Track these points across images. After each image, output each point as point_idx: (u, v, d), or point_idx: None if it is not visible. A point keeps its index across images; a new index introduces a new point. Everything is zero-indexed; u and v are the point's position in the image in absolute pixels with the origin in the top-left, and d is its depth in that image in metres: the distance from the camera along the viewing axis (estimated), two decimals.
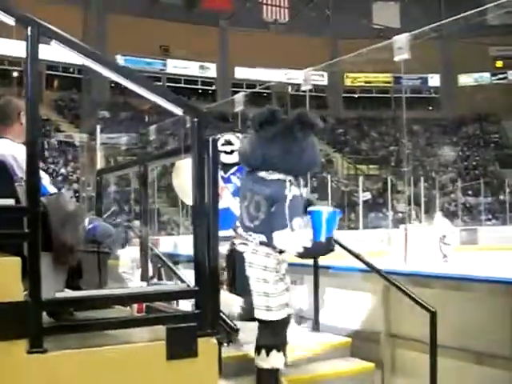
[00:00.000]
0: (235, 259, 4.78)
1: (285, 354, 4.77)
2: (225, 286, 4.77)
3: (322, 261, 6.03)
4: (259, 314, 4.69)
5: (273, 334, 4.75)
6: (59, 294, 2.86)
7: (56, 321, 3.11)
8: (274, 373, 4.75)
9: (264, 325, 4.73)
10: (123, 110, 39.11)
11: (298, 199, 4.65)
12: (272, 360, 4.71)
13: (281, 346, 4.76)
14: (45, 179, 3.63)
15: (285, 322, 4.83)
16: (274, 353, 4.71)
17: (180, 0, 43.94)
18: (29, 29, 2.79)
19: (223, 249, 4.46)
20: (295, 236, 4.52)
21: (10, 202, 2.86)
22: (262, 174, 4.75)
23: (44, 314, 2.88)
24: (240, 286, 4.74)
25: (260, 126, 4.81)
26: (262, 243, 4.69)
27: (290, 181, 4.68)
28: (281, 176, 4.71)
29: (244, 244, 4.75)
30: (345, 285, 6.23)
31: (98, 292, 3.16)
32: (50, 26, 2.86)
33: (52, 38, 2.88)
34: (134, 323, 3.11)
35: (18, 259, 2.68)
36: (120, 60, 41.44)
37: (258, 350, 4.73)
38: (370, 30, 42.13)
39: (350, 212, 33.80)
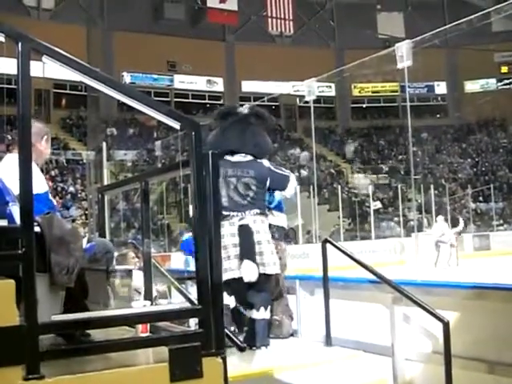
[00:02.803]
0: (244, 231, 5.64)
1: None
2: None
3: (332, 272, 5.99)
4: (269, 269, 5.65)
5: (270, 289, 5.82)
6: (56, 317, 2.75)
7: (68, 342, 3.03)
8: (267, 321, 5.79)
9: (265, 280, 5.66)
10: (131, 127, 39.16)
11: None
12: (268, 313, 5.75)
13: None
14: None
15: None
16: (269, 308, 5.77)
17: (185, 15, 43.96)
18: (19, 44, 2.71)
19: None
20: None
21: (3, 222, 2.78)
22: (237, 158, 5.82)
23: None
24: (245, 250, 5.57)
25: (221, 118, 6.06)
26: (257, 213, 5.70)
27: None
28: (252, 157, 5.84)
29: (243, 218, 5.66)
30: (355, 296, 6.12)
31: (97, 314, 3.05)
32: (40, 41, 2.79)
33: (43, 54, 2.80)
34: (134, 345, 3.00)
35: (11, 281, 2.59)
36: (127, 77, 41.54)
37: (256, 308, 5.69)
38: (375, 40, 42.03)
39: (362, 222, 33.64)
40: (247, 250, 5.64)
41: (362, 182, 40.24)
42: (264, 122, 6.16)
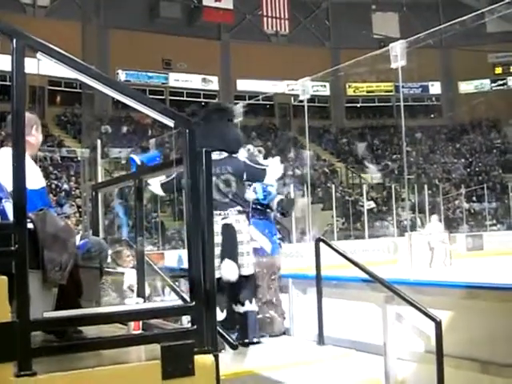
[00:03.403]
0: (229, 230, 5.71)
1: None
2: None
3: (325, 271, 6.01)
4: (244, 271, 5.74)
5: (251, 287, 5.94)
6: (48, 314, 2.75)
7: (60, 339, 3.02)
8: (256, 314, 5.95)
9: (246, 280, 5.80)
10: (125, 124, 39.08)
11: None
12: (254, 305, 5.91)
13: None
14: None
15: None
16: (253, 300, 5.92)
17: (181, 13, 43.85)
18: (14, 41, 2.71)
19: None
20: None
21: None
22: (213, 156, 5.59)
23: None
24: (228, 250, 5.61)
25: None
26: (239, 212, 5.80)
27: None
28: (226, 153, 5.88)
29: (226, 218, 5.73)
30: (348, 295, 6.13)
31: (89, 311, 3.06)
32: (35, 38, 2.78)
33: (38, 50, 2.79)
34: (127, 342, 3.00)
35: (4, 278, 2.59)
36: (122, 75, 41.48)
37: (241, 303, 5.84)
38: (370, 40, 42.02)
39: (355, 221, 33.65)
40: (230, 250, 5.68)
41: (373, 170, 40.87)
42: (225, 114, 6.20)
